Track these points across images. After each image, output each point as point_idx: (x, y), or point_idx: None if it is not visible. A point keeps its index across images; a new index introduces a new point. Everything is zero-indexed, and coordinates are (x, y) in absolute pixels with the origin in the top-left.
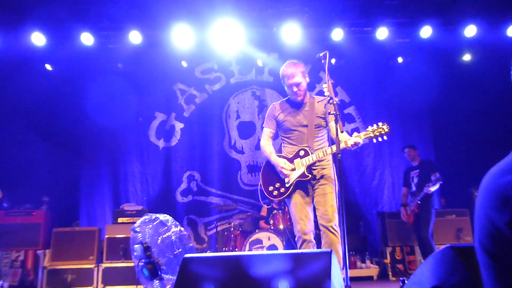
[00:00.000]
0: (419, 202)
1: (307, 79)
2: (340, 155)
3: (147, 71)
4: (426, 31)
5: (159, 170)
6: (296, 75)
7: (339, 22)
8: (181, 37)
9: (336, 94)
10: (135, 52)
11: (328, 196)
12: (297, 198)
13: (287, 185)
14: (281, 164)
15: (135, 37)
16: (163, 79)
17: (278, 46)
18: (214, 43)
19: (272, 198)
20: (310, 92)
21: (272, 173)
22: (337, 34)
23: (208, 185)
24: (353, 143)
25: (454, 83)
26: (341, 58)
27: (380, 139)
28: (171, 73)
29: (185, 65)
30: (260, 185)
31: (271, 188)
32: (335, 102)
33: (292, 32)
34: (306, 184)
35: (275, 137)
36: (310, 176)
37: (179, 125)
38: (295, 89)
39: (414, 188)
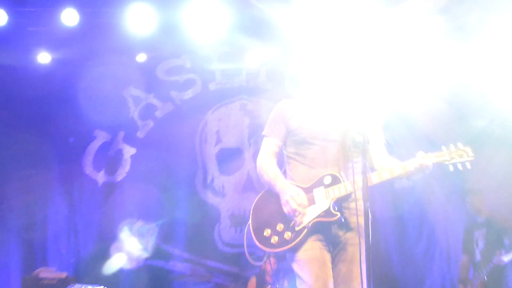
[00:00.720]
0: (485, 277)
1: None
2: (368, 203)
3: (85, 68)
4: None
5: (96, 218)
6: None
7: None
8: (138, 19)
9: None
10: (68, 39)
11: (356, 267)
12: (314, 250)
13: (297, 228)
14: (290, 192)
15: (69, 17)
16: (108, 80)
17: (282, 37)
18: (187, 29)
19: (269, 249)
20: None
21: (271, 208)
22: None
23: (169, 243)
24: (418, 165)
25: None
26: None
27: (460, 166)
28: (120, 72)
29: (142, 60)
30: (249, 227)
31: (267, 232)
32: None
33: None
34: (329, 229)
35: (280, 159)
36: (338, 215)
37: (129, 151)
38: None
39: (478, 257)
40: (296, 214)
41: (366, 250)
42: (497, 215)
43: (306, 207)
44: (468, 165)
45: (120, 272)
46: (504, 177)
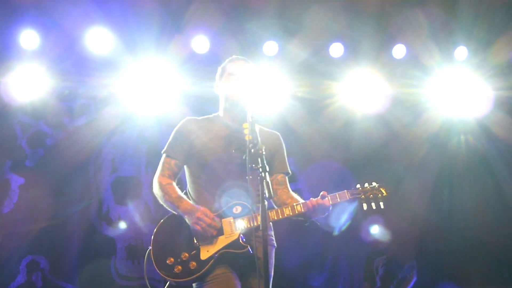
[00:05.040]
0: None
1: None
2: (272, 231)
3: None
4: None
5: None
6: (246, 70)
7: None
8: (25, 39)
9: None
10: None
11: None
12: (222, 279)
13: (202, 258)
14: (198, 213)
15: None
16: None
17: (185, 57)
18: (79, 49)
19: (171, 279)
20: None
21: (175, 235)
22: (271, 47)
23: (61, 278)
24: (317, 206)
25: None
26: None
27: (373, 205)
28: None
29: None
30: (150, 255)
31: (170, 260)
32: (261, 151)
33: (202, 40)
34: (236, 260)
35: (183, 183)
36: (246, 248)
37: (17, 181)
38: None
39: (378, 283)
40: (211, 231)
41: (265, 281)
42: (396, 242)
43: (215, 229)
44: (381, 205)
45: None
46: (404, 206)
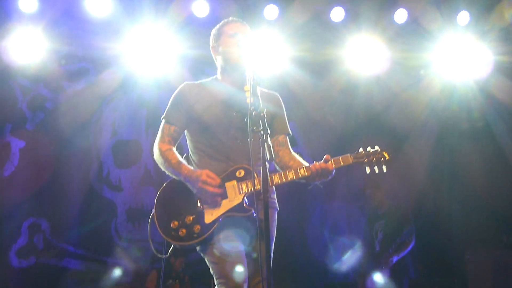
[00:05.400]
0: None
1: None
2: (275, 194)
3: None
4: None
5: None
6: (244, 32)
7: None
8: (24, 2)
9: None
10: None
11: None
12: (226, 243)
13: (207, 221)
14: (200, 178)
15: None
16: None
17: (185, 20)
18: (78, 12)
19: (176, 242)
20: None
21: (179, 199)
22: (272, 10)
23: (62, 240)
24: (320, 170)
25: None
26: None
27: (376, 168)
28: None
29: None
30: (153, 219)
31: (174, 224)
32: (262, 114)
33: (202, 4)
34: (240, 223)
35: (183, 148)
36: (250, 211)
37: (17, 144)
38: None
39: (377, 248)
40: (216, 197)
41: (265, 243)
42: (395, 207)
43: (221, 190)
44: (384, 169)
45: (10, 271)
46: (404, 171)
